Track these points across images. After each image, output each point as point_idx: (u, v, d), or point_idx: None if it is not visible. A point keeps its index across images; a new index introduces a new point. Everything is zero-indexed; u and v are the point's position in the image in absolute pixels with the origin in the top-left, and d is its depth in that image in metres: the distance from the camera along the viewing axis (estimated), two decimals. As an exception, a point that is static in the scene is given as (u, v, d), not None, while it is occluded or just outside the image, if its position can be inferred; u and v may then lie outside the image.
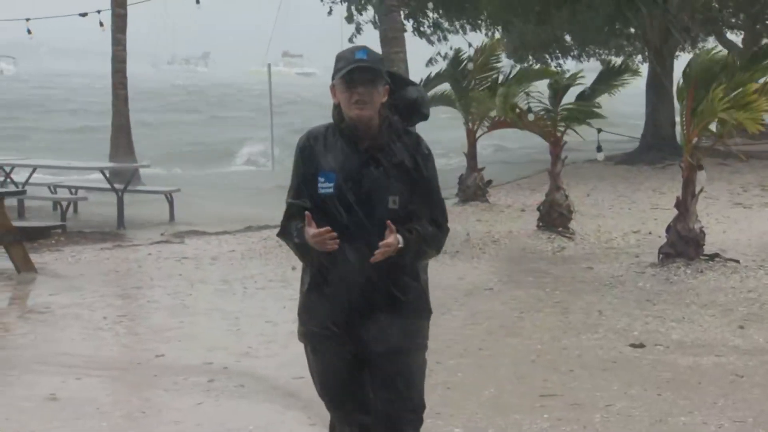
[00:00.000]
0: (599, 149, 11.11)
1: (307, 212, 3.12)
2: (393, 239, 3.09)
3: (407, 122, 3.28)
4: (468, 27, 20.51)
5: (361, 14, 18.61)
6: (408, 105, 3.27)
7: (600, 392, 5.29)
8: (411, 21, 19.25)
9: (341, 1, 19.00)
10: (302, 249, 3.18)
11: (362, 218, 3.14)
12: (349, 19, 18.58)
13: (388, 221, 3.10)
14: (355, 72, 3.13)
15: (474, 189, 12.87)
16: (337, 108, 3.24)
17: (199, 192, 16.59)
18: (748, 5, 19.28)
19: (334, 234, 3.07)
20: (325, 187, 3.17)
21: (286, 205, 3.29)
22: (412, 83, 3.36)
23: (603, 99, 10.74)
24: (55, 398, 5.33)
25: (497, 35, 19.05)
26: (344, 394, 3.29)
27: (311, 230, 3.10)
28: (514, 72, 11.77)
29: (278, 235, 3.34)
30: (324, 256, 3.16)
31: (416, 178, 3.21)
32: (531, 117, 8.93)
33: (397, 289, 3.21)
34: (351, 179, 3.17)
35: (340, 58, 3.19)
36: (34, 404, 5.25)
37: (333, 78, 3.19)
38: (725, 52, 9.63)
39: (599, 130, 10.54)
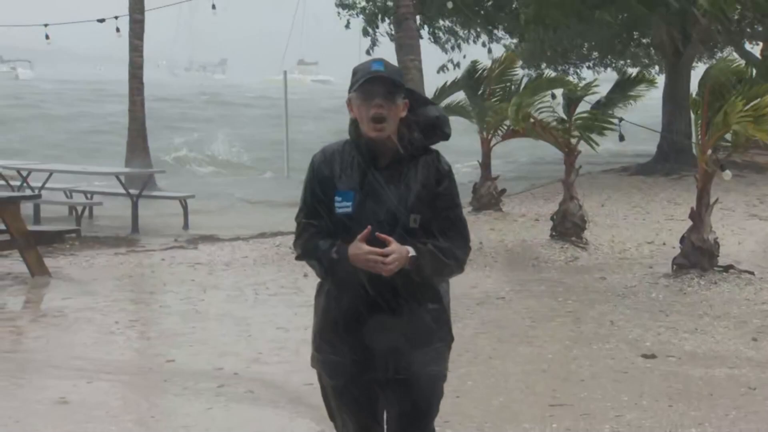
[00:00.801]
0: (621, 138, 11.00)
1: (369, 226, 2.96)
2: (394, 246, 2.95)
3: (427, 141, 3.15)
4: (484, 35, 20.50)
5: (377, 27, 18.66)
6: (429, 123, 3.14)
7: (610, 402, 5.27)
8: (426, 27, 19.29)
9: (357, 15, 19.05)
10: (337, 266, 3.01)
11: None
12: (365, 32, 18.66)
13: (378, 234, 2.96)
14: (372, 82, 3.01)
15: (488, 198, 12.86)
16: (354, 123, 3.10)
17: (213, 199, 16.68)
18: (767, 17, 19.19)
19: (389, 261, 2.94)
20: (343, 206, 3.04)
21: (300, 225, 3.13)
22: (432, 102, 3.26)
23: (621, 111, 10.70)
24: (65, 401, 5.36)
25: (513, 43, 19.07)
26: (360, 423, 3.17)
27: (365, 247, 2.94)
28: (526, 81, 11.76)
29: (300, 257, 3.16)
30: (344, 278, 3.03)
31: (436, 196, 3.09)
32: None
33: (420, 312, 3.08)
34: (370, 198, 3.03)
35: (356, 70, 3.09)
36: (44, 407, 5.28)
37: (349, 91, 3.07)
38: (742, 62, 9.59)
39: (620, 119, 10.44)
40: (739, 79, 8.38)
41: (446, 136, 3.18)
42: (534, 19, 16.03)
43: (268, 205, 16.15)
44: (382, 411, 3.21)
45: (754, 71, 8.79)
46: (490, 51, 14.94)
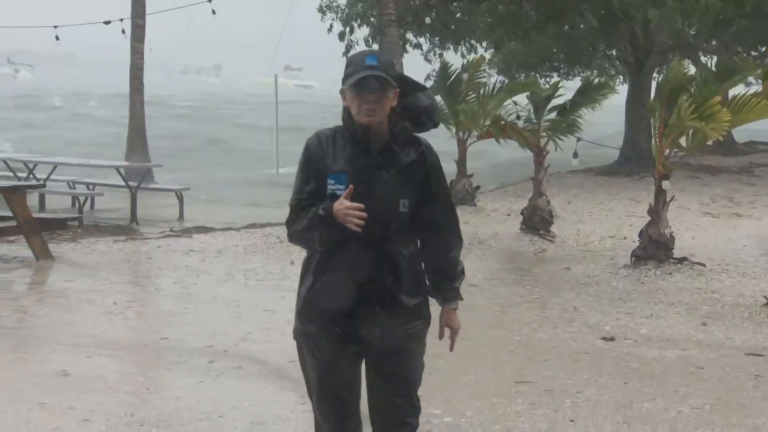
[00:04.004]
0: (575, 155, 11.23)
1: (351, 185, 2.91)
2: (453, 330, 3.29)
3: (417, 129, 3.08)
4: (455, 47, 20.52)
5: (353, 33, 18.56)
6: (420, 112, 3.07)
7: (571, 380, 5.33)
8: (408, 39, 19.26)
9: (340, 20, 18.96)
10: (324, 222, 2.92)
11: (372, 221, 2.92)
12: (341, 36, 18.55)
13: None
14: (365, 80, 2.94)
15: (463, 194, 12.91)
16: (347, 110, 3.03)
17: (207, 193, 16.65)
18: (720, 32, 19.37)
19: (365, 215, 2.87)
20: (336, 188, 2.96)
21: (294, 206, 3.04)
22: (423, 88, 3.14)
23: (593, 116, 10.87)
24: (66, 374, 5.36)
25: (487, 54, 19.16)
26: (342, 398, 3.07)
27: (346, 202, 2.88)
28: (498, 85, 11.81)
29: (291, 233, 3.04)
30: (334, 256, 2.99)
31: (427, 184, 3.04)
32: (520, 122, 8.99)
33: (403, 292, 3.03)
34: (362, 181, 2.95)
35: (350, 62, 3.00)
36: (46, 379, 5.27)
37: (343, 83, 2.99)
38: (692, 70, 9.73)
39: (578, 139, 10.61)
40: (690, 81, 8.49)
41: (435, 124, 3.13)
42: (486, 36, 16.16)
43: (259, 202, 16.10)
44: (358, 400, 3.11)
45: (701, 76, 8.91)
46: (464, 57, 15.19)
